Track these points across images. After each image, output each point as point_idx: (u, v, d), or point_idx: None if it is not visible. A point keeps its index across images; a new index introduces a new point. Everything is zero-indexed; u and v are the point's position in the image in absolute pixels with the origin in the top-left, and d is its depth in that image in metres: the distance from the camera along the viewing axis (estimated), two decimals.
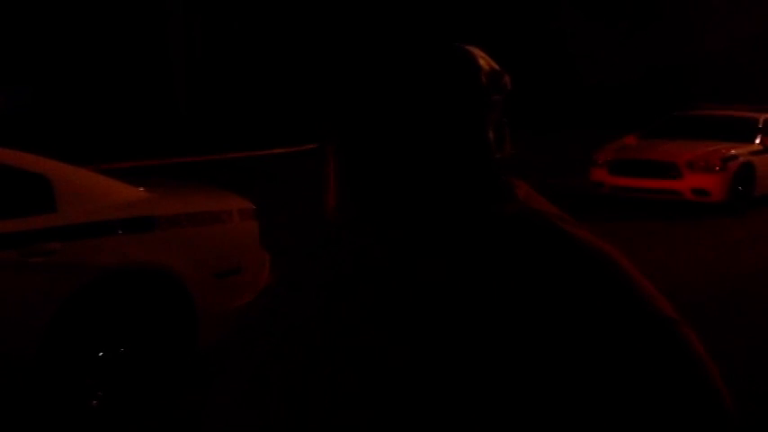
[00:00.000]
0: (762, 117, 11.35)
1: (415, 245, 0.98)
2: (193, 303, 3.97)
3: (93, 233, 3.73)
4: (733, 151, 10.47)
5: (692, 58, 23.86)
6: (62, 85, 18.89)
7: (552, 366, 0.91)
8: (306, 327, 1.00)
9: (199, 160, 13.72)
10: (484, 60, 1.04)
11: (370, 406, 0.93)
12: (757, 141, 10.91)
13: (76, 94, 18.99)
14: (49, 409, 3.66)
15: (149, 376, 3.90)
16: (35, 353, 3.52)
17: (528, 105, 21.13)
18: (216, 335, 3.95)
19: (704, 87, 22.04)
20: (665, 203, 10.30)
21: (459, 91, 1.00)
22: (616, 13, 24.31)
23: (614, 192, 10.70)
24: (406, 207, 0.99)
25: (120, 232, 3.83)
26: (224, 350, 2.60)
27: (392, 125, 0.99)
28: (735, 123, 11.33)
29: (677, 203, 10.26)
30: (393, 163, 0.99)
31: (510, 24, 23.66)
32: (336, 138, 1.03)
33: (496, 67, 1.06)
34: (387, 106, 0.99)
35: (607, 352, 0.91)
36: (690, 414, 0.91)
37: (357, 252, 1.01)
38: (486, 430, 0.90)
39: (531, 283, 0.93)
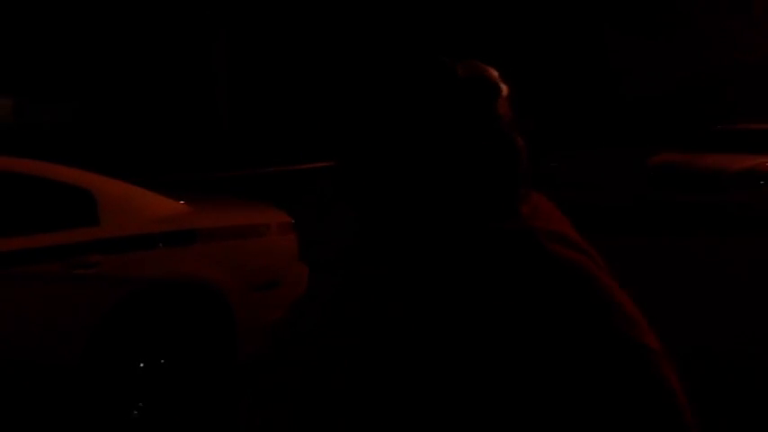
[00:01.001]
0: None
1: (408, 260, 0.99)
2: (233, 316, 4.00)
3: (135, 246, 3.78)
4: None
5: (729, 69, 23.53)
6: (106, 101, 19.24)
7: (524, 386, 0.91)
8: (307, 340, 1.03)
9: (239, 174, 13.85)
10: (475, 73, 1.04)
11: (370, 409, 0.95)
12: None
13: (120, 109, 19.32)
14: (92, 418, 3.71)
15: (189, 388, 3.94)
16: (78, 363, 3.58)
17: (571, 121, 20.99)
18: (254, 347, 3.98)
19: (742, 98, 21.71)
20: (710, 217, 10.14)
21: (444, 106, 1.00)
22: (655, 26, 24.09)
23: (657, 205, 10.58)
24: (404, 223, 1.00)
25: (161, 245, 3.88)
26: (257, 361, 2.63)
27: (388, 143, 0.99)
28: None
29: (722, 217, 10.09)
30: (392, 181, 0.99)
31: (550, 45, 23.56)
32: (337, 153, 1.04)
33: (491, 78, 1.05)
34: (380, 122, 1.00)
35: (576, 374, 0.90)
36: None
37: (360, 266, 1.04)
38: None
39: (505, 302, 0.93)
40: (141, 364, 3.84)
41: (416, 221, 1.00)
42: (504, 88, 1.06)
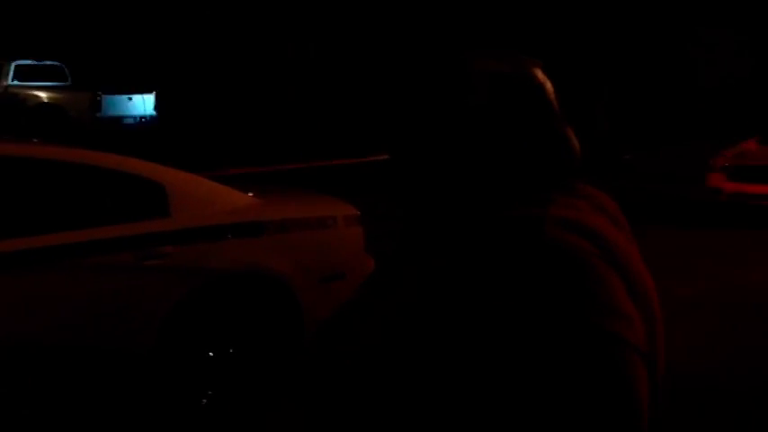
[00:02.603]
0: None
1: (431, 247, 1.03)
2: (300, 307, 4.04)
3: (205, 237, 3.85)
4: None
5: None
6: (180, 95, 19.64)
7: (505, 373, 0.92)
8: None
9: (307, 167, 13.97)
10: (506, 68, 1.06)
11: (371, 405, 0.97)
12: None
13: (194, 103, 19.70)
14: (163, 405, 3.79)
15: (257, 377, 3.99)
16: (150, 352, 3.66)
17: (649, 113, 20.52)
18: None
19: None
20: None
21: (480, 102, 1.03)
22: (735, 16, 23.35)
23: (733, 199, 10.24)
24: (436, 213, 1.05)
25: (230, 237, 3.93)
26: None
27: (426, 138, 1.04)
28: None
29: None
30: (429, 173, 1.04)
31: (630, 39, 23.07)
32: (386, 147, 1.09)
33: (530, 73, 1.07)
34: (419, 118, 1.05)
35: (540, 359, 0.90)
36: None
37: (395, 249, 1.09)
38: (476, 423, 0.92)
39: (494, 286, 0.94)
40: (211, 354, 3.91)
41: (446, 212, 1.04)
42: (548, 83, 1.08)
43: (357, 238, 4.44)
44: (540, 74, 1.08)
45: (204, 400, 3.89)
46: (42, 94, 16.90)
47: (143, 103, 17.53)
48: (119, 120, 17.04)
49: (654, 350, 0.98)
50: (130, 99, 17.29)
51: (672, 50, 23.93)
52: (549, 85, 1.08)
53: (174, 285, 3.70)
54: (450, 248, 1.00)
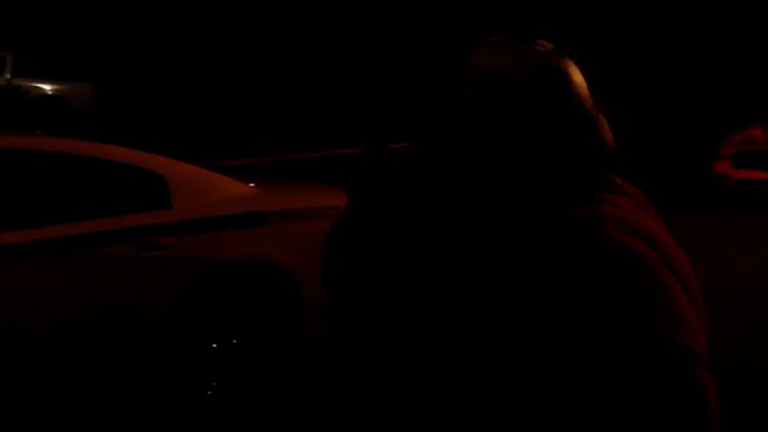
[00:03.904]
0: None
1: (459, 235, 1.00)
2: (302, 297, 4.03)
3: (206, 228, 3.84)
4: None
5: None
6: (179, 86, 19.63)
7: (546, 368, 0.89)
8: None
9: (307, 157, 13.96)
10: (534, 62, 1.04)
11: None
12: None
13: (193, 93, 19.69)
14: (166, 397, 3.80)
15: (260, 368, 4.00)
16: (152, 343, 3.66)
17: (648, 97, 20.43)
18: (320, 329, 4.01)
19: None
20: None
21: (513, 92, 1.01)
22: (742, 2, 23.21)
23: (739, 185, 10.21)
24: (471, 201, 1.02)
25: (232, 227, 3.93)
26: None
27: (463, 128, 1.02)
28: None
29: None
30: (464, 164, 1.03)
31: (629, 22, 22.96)
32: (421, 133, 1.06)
33: (559, 63, 1.04)
34: (455, 106, 1.03)
35: (606, 366, 0.87)
36: None
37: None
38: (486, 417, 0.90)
39: (546, 286, 0.91)
40: (214, 345, 3.91)
41: (482, 204, 1.01)
42: (576, 74, 1.05)
43: None
44: (567, 65, 1.05)
45: (208, 392, 3.90)
46: (46, 86, 16.90)
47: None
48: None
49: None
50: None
51: (671, 35, 23.81)
52: (577, 76, 1.05)
53: (175, 276, 3.70)
54: (494, 246, 0.96)
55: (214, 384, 3.91)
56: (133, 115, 17.35)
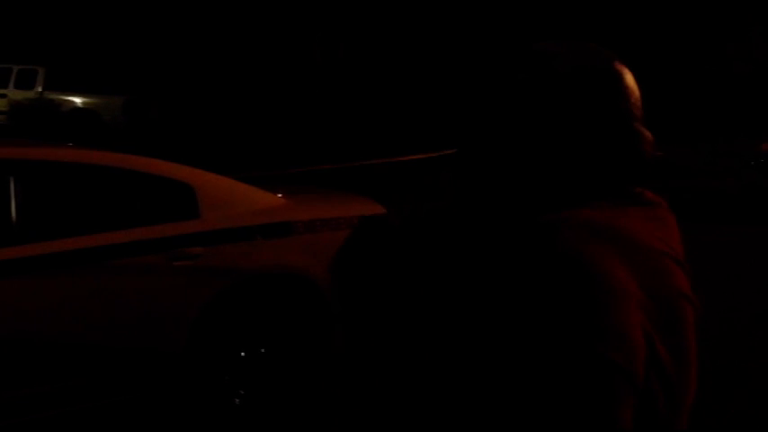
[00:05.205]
0: None
1: (465, 240, 1.08)
2: (329, 306, 4.05)
3: (234, 238, 3.88)
4: None
5: None
6: (211, 98, 19.80)
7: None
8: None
9: (335, 167, 14.00)
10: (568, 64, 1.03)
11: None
12: None
13: (224, 105, 19.85)
14: (196, 405, 3.83)
15: (288, 376, 4.02)
16: (181, 351, 3.70)
17: (682, 109, 20.24)
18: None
19: None
20: None
21: (547, 98, 1.01)
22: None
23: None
24: (487, 209, 1.05)
25: (260, 237, 3.96)
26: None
27: (494, 134, 1.04)
28: None
29: None
30: (495, 169, 1.04)
31: (664, 34, 22.80)
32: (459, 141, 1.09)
33: (603, 67, 1.03)
34: (489, 114, 1.05)
35: (534, 367, 0.90)
36: None
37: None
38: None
39: (501, 289, 0.95)
40: (242, 353, 3.94)
41: (497, 208, 1.04)
42: (627, 76, 1.03)
43: None
44: (622, 66, 1.04)
45: (237, 400, 3.92)
46: (77, 99, 17.15)
47: None
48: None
49: (678, 367, 0.96)
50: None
51: (704, 45, 23.60)
52: (630, 81, 1.03)
53: (204, 286, 3.73)
54: (485, 250, 1.02)
55: (242, 392, 3.94)
56: (163, 128, 17.54)
